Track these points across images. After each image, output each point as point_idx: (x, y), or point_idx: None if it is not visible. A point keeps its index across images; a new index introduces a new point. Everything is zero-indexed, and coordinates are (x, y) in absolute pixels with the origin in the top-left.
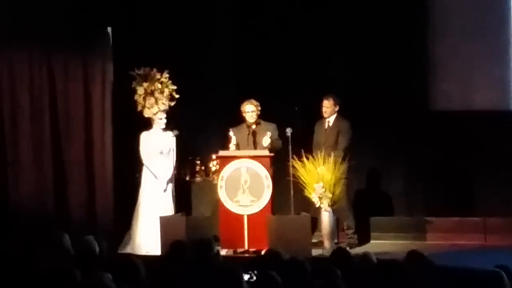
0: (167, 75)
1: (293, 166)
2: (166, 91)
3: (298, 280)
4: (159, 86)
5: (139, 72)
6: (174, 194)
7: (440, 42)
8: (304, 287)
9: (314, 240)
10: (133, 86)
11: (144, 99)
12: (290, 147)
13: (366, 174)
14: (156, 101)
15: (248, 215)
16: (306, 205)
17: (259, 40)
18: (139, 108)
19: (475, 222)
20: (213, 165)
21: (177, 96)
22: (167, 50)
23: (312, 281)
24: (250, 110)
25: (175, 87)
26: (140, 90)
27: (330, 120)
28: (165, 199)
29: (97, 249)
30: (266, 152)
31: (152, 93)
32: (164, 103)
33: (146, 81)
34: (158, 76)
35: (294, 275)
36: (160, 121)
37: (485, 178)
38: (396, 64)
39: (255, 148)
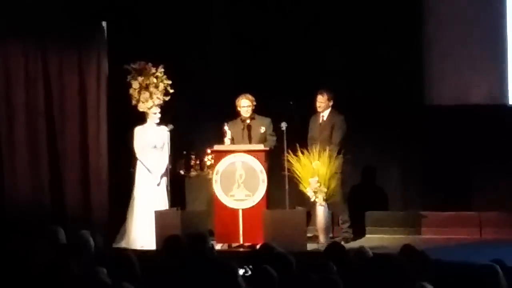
0: (162, 70)
1: (288, 161)
2: (161, 86)
3: (288, 274)
4: (154, 80)
5: (134, 66)
6: (168, 188)
7: (435, 37)
8: (293, 281)
9: (309, 235)
10: (128, 80)
11: (139, 93)
12: (285, 141)
13: (361, 168)
14: (151, 95)
15: (243, 210)
16: (301, 199)
17: (254, 34)
18: (134, 102)
19: (470, 216)
20: (208, 160)
21: (171, 91)
22: (162, 44)
23: (304, 275)
24: (245, 105)
25: (170, 82)
26: (135, 84)
27: (324, 114)
28: (159, 193)
29: (92, 243)
30: (261, 147)
31: (147, 88)
32: (158, 98)
33: (141, 75)
34: (153, 70)
35: (282, 270)
36: (154, 115)
37: (481, 172)
38: (391, 59)
39: (250, 142)
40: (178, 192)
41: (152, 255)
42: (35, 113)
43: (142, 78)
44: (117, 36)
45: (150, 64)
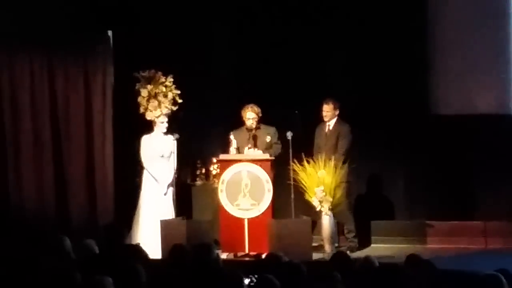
0: (172, 79)
1: (294, 170)
2: (170, 95)
3: (297, 284)
4: (163, 89)
5: (143, 74)
6: (174, 197)
7: (440, 46)
8: None
9: (314, 244)
10: (137, 87)
11: (148, 101)
12: (290, 150)
13: (367, 177)
14: (159, 104)
15: (248, 219)
16: (307, 208)
17: (260, 44)
18: (142, 110)
19: (476, 226)
20: (214, 169)
21: (180, 100)
22: (167, 53)
23: (311, 285)
24: (251, 117)
25: (178, 92)
26: (144, 92)
27: (330, 124)
28: (165, 202)
29: (98, 252)
30: (267, 156)
31: (155, 96)
32: (167, 107)
33: (150, 84)
34: (162, 79)
35: (292, 279)
36: (161, 124)
37: (486, 181)
38: (396, 68)
39: None
40: (184, 201)
41: (158, 264)
42: (41, 122)
43: (152, 86)
44: (122, 45)
45: (160, 73)
